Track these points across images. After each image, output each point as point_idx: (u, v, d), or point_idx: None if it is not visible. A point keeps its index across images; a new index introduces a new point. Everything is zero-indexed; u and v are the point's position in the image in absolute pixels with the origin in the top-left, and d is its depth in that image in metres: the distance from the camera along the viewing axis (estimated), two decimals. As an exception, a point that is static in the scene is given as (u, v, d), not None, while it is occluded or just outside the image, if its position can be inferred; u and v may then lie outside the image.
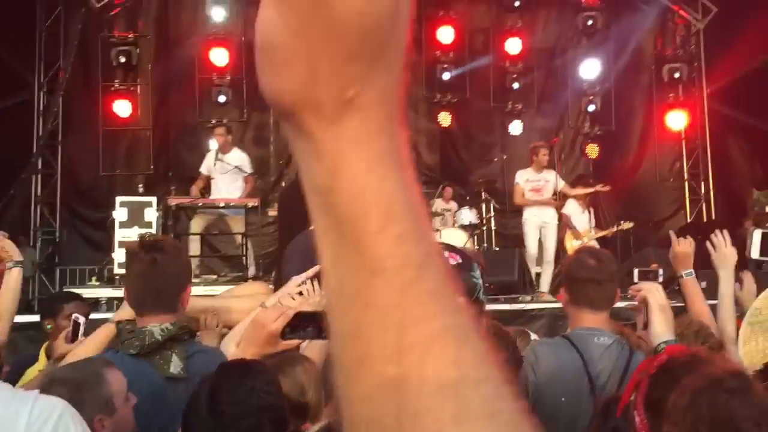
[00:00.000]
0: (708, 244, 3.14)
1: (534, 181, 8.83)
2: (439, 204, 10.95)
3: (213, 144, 8.99)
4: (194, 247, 8.78)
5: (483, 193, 10.63)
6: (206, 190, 8.95)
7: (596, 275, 2.61)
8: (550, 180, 8.84)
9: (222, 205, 8.26)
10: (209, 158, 8.85)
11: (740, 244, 9.61)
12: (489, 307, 6.55)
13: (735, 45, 11.48)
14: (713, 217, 12.84)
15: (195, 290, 7.42)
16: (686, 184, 13.32)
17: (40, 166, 11.22)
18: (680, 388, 1.24)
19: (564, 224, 9.21)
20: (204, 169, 9.12)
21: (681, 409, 1.21)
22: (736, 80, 12.08)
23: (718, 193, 13.05)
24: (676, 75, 12.90)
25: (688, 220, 12.99)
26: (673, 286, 3.60)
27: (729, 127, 12.68)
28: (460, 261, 1.33)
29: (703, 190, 13.17)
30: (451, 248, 1.37)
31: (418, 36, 12.29)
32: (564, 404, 2.40)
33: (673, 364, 1.30)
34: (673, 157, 13.40)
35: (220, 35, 11.66)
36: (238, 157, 8.89)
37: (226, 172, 8.63)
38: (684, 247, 3.04)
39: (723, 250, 3.12)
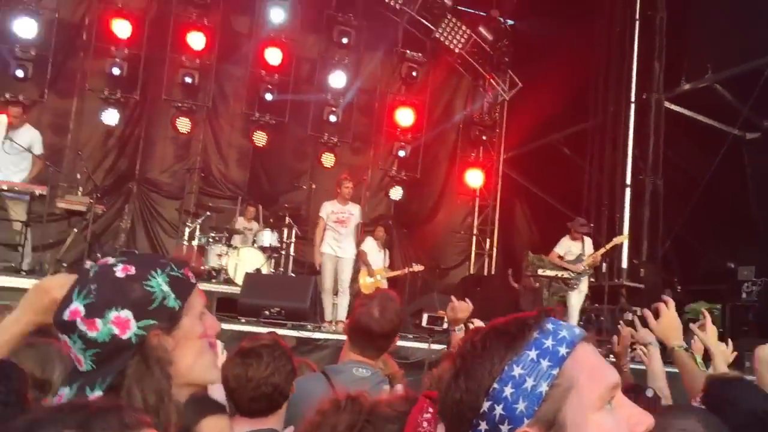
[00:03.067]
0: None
1: (338, 213, 8.95)
2: (241, 222, 10.81)
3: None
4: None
5: (287, 218, 10.66)
6: None
7: (375, 327, 2.69)
8: (355, 213, 8.99)
9: (5, 188, 7.46)
10: None
11: (514, 298, 10.42)
12: (276, 331, 6.55)
13: (531, 120, 12.71)
14: (493, 272, 13.93)
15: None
16: (474, 238, 14.34)
17: None
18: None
19: (360, 260, 9.46)
20: None
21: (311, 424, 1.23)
22: (529, 151, 13.36)
23: (499, 250, 14.19)
24: (483, 137, 13.97)
25: (471, 272, 13.97)
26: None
27: (517, 192, 13.92)
28: (133, 272, 1.32)
29: (487, 246, 14.25)
30: (129, 260, 1.34)
31: (246, 52, 12.22)
32: None
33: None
34: (465, 212, 14.39)
35: (31, 5, 10.71)
36: (28, 135, 8.06)
37: (14, 154, 7.79)
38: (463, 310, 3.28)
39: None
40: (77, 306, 1.28)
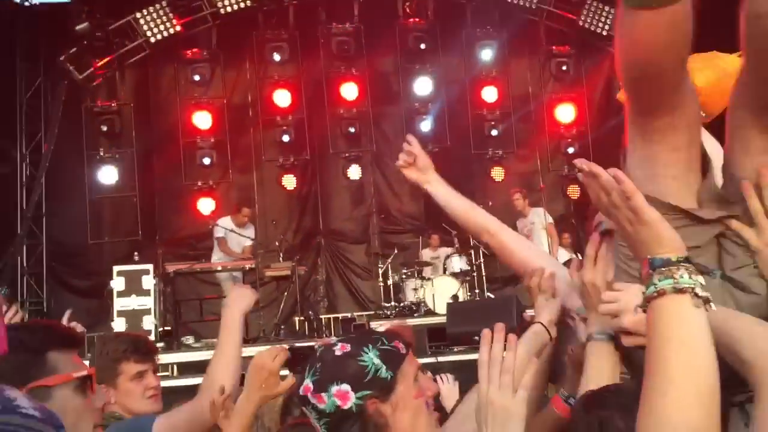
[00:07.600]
0: None
1: (522, 228, 8.96)
2: (427, 253, 11.02)
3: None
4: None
5: (471, 240, 10.71)
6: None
7: None
8: (536, 221, 8.92)
9: (219, 269, 8.25)
10: (225, 224, 9.12)
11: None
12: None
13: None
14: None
15: (198, 355, 7.35)
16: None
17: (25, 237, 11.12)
18: None
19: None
20: (221, 233, 9.37)
21: None
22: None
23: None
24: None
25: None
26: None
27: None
28: (349, 350, 1.51)
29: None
30: (346, 339, 1.56)
31: (397, 89, 12.60)
32: None
33: None
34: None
35: (203, 99, 11.79)
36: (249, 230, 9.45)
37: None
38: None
39: None
40: (308, 383, 1.51)
